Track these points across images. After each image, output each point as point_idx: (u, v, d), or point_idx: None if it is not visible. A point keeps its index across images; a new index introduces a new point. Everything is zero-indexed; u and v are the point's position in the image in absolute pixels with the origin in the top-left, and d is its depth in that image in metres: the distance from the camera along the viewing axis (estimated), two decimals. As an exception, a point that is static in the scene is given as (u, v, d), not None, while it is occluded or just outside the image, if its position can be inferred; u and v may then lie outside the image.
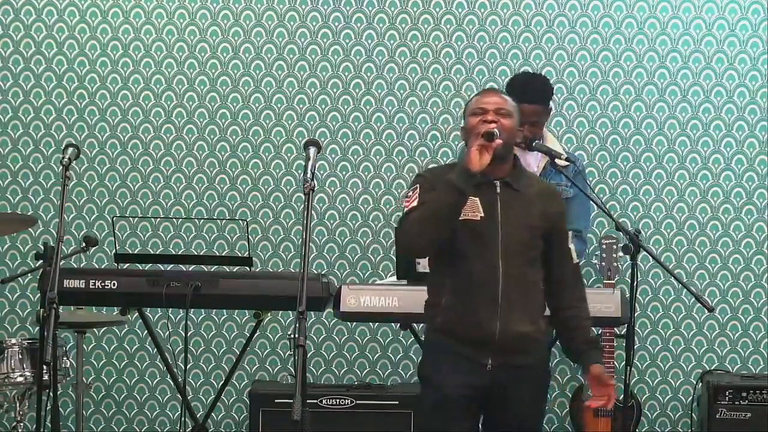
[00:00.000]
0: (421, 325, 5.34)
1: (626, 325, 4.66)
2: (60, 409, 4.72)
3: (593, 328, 5.67)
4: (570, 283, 4.14)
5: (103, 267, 5.91)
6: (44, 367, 4.57)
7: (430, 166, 4.02)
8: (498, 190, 4.02)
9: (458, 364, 3.99)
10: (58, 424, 4.57)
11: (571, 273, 4.14)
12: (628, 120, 6.00)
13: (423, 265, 4.70)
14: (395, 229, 4.05)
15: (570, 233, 4.16)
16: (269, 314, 5.17)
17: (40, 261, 4.88)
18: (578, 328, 4.12)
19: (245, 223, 5.88)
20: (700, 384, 5.79)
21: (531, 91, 5.42)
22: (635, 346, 4.68)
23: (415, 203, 3.96)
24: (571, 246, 4.13)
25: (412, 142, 6.02)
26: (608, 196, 5.94)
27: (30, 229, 5.91)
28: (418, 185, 4.02)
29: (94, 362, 6.06)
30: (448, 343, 4.00)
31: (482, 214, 3.97)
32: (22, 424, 5.17)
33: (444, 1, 6.01)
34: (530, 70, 5.88)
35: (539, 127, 5.35)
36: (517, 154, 5.39)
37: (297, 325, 3.80)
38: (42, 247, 4.91)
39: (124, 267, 5.36)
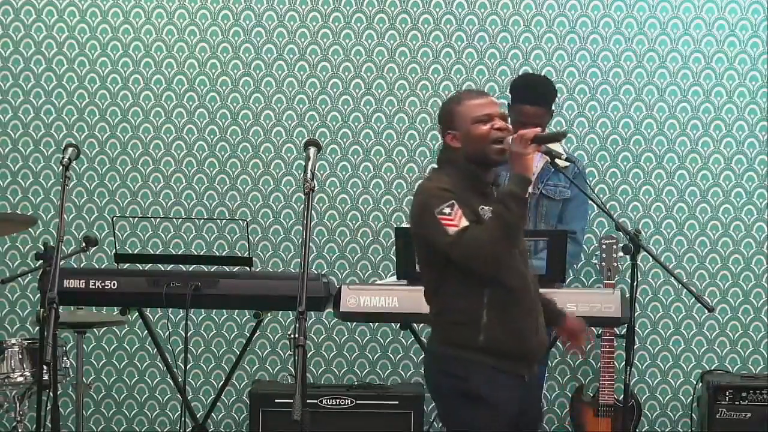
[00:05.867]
0: (422, 325, 5.36)
1: (626, 325, 4.66)
2: (60, 409, 4.72)
3: (593, 328, 5.72)
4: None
5: (103, 267, 5.91)
6: (44, 367, 4.57)
7: (441, 180, 3.81)
8: None
9: (504, 380, 3.84)
10: (58, 424, 4.57)
11: None
12: (628, 120, 6.00)
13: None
14: (455, 250, 3.70)
15: None
16: (269, 314, 5.17)
17: (40, 261, 4.87)
18: (550, 302, 4.11)
19: (245, 223, 5.88)
20: (700, 384, 5.79)
21: (534, 94, 5.43)
22: (635, 346, 4.68)
23: (464, 221, 3.75)
24: None
25: (412, 142, 6.02)
26: (608, 196, 5.94)
27: (30, 229, 5.91)
28: (454, 201, 3.78)
29: (94, 362, 6.06)
30: (492, 361, 3.81)
31: None
32: (22, 424, 5.17)
33: (444, 1, 6.01)
34: (530, 71, 5.89)
35: (541, 129, 5.35)
36: None
37: (297, 325, 3.80)
38: (42, 247, 4.90)
39: (124, 267, 5.36)
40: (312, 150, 4.12)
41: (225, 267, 5.70)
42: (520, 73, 5.86)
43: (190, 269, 5.65)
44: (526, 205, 3.79)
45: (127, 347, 6.08)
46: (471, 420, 3.83)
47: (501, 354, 3.81)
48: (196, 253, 5.99)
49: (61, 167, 4.54)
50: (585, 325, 4.14)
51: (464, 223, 3.75)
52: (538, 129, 3.87)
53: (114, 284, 5.00)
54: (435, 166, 4.03)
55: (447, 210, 3.76)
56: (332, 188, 6.04)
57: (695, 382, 5.89)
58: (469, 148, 3.88)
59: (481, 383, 3.80)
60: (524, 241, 3.94)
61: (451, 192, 3.79)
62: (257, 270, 5.74)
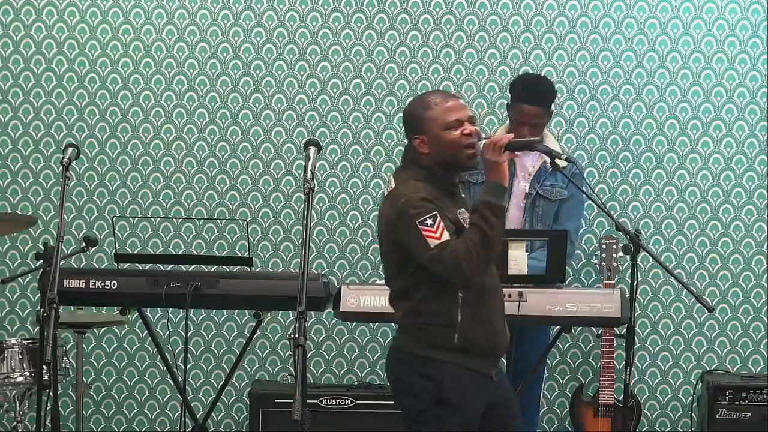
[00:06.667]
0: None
1: (626, 325, 4.67)
2: (60, 409, 4.73)
3: (594, 328, 5.72)
4: None
5: (103, 267, 5.91)
6: (44, 367, 4.57)
7: (417, 187, 3.79)
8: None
9: (475, 380, 3.84)
10: (58, 424, 4.57)
11: None
12: (628, 120, 6.00)
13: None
14: (435, 264, 3.74)
15: None
16: (269, 314, 5.17)
17: (40, 261, 4.88)
18: None
19: (245, 223, 5.88)
20: (700, 384, 5.79)
21: (534, 93, 5.43)
22: (635, 346, 4.68)
23: (446, 235, 3.73)
24: None
25: (412, 142, 6.02)
26: (608, 196, 5.94)
27: (30, 229, 5.91)
28: (437, 213, 3.75)
29: (94, 362, 6.06)
30: (465, 361, 3.81)
31: None
32: (22, 424, 5.17)
33: (444, 1, 6.01)
34: (530, 71, 5.89)
35: (540, 128, 5.37)
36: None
37: (297, 325, 3.79)
38: (42, 247, 4.91)
39: (124, 267, 5.36)
40: (312, 150, 4.12)
41: (225, 267, 5.70)
42: (520, 73, 5.86)
43: (190, 269, 5.65)
44: (504, 213, 3.79)
45: (127, 347, 6.08)
46: (437, 420, 3.81)
47: (474, 353, 3.81)
48: (196, 253, 6.00)
49: (61, 167, 4.54)
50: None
51: (446, 236, 3.73)
52: (511, 135, 3.86)
53: (114, 284, 5.00)
54: (401, 164, 4.00)
55: (429, 222, 3.73)
56: (332, 188, 6.04)
57: (695, 382, 5.89)
58: (439, 154, 3.86)
59: (451, 386, 3.80)
60: None
61: (431, 202, 3.77)
62: (257, 270, 5.73)
